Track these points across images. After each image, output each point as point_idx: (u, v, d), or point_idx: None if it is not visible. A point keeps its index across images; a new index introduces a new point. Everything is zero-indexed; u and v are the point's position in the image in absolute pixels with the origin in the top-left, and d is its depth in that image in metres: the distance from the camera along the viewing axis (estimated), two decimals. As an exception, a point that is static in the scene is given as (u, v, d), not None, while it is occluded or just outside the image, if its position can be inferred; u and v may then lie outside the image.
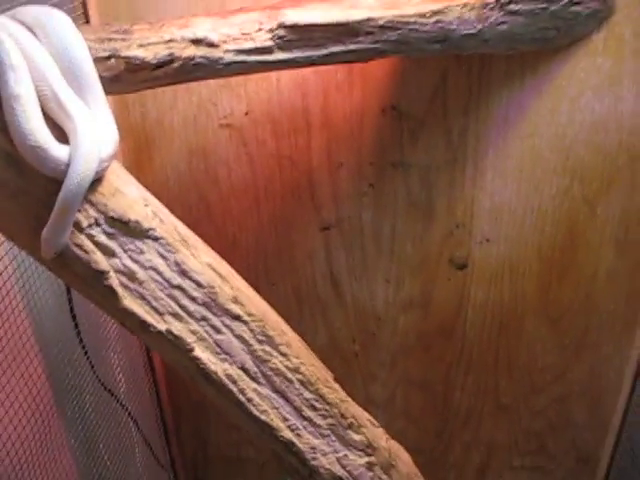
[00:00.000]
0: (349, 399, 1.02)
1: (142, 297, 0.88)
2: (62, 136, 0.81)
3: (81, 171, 0.79)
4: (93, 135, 0.80)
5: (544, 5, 1.15)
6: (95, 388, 1.42)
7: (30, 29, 0.84)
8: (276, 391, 0.95)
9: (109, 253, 0.86)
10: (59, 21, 0.85)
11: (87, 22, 1.26)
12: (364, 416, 1.03)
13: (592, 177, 1.45)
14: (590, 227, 1.50)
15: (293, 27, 0.97)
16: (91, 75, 0.85)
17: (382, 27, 1.02)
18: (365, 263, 1.57)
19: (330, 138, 1.43)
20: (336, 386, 1.01)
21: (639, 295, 1.58)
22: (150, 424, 1.76)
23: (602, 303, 1.59)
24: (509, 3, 1.11)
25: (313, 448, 0.96)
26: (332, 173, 1.47)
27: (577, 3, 1.19)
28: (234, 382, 0.92)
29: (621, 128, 1.39)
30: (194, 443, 1.93)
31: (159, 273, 0.89)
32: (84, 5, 1.26)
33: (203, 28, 0.95)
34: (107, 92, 0.88)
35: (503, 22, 1.12)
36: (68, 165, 0.79)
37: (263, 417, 0.94)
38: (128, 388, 1.59)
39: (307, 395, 0.96)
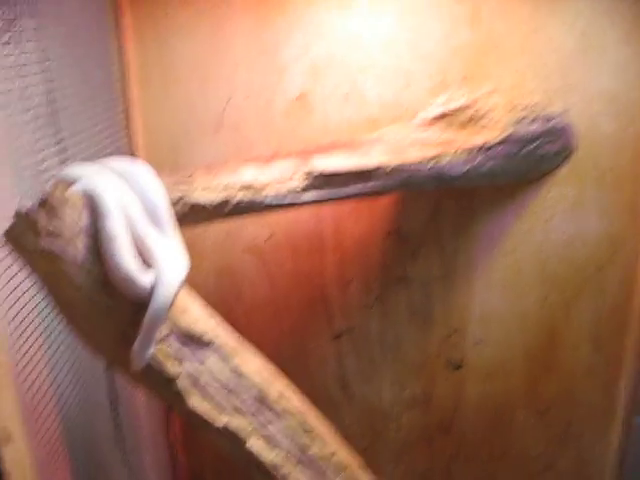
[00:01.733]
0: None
1: (205, 398, 1.05)
2: (144, 264, 1.00)
3: (164, 297, 0.97)
4: (172, 266, 1.00)
5: (518, 148, 1.40)
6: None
7: (119, 176, 1.05)
8: (316, 475, 1.11)
9: (178, 361, 1.03)
10: (143, 171, 1.05)
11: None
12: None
13: (566, 285, 1.66)
14: (567, 328, 1.70)
15: (321, 173, 1.20)
16: (168, 214, 1.05)
17: (390, 171, 1.25)
18: (373, 367, 1.73)
19: (341, 258, 1.63)
20: (366, 473, 1.18)
21: (615, 387, 1.75)
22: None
23: (583, 396, 1.76)
24: (490, 148, 1.36)
25: (347, 525, 1.13)
26: (343, 288, 1.66)
27: (546, 144, 1.44)
28: (279, 469, 1.08)
29: (587, 243, 1.61)
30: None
31: (219, 377, 1.06)
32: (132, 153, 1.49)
33: (249, 174, 1.17)
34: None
35: (486, 164, 1.36)
36: (151, 291, 0.97)
37: (305, 498, 1.10)
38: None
39: (341, 478, 1.13)
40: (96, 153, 1.32)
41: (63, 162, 1.19)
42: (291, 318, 1.69)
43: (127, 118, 1.48)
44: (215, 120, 1.52)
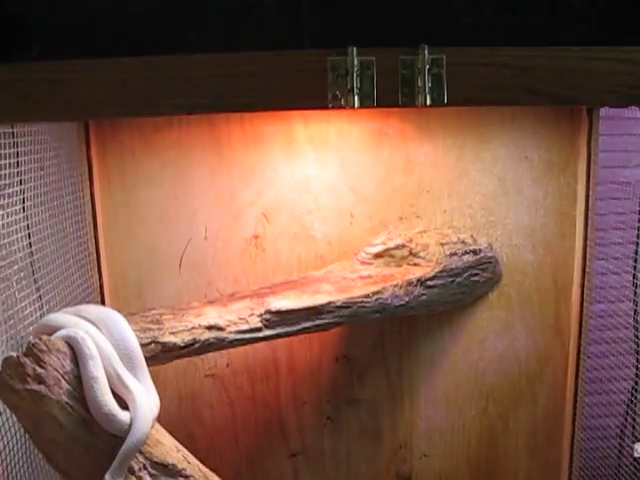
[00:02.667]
0: None
1: (177, 525, 1.15)
2: (121, 403, 1.11)
3: (141, 430, 1.08)
4: (147, 403, 1.12)
5: (451, 279, 1.57)
6: None
7: (94, 324, 1.17)
8: None
9: (152, 491, 1.14)
10: (116, 319, 1.17)
11: (103, 303, 1.61)
12: None
13: (502, 398, 1.79)
14: (506, 438, 1.82)
15: (276, 312, 1.35)
16: (140, 357, 1.17)
17: (339, 307, 1.41)
18: (327, 483, 1.83)
19: (295, 382, 1.74)
20: None
21: (554, 493, 1.88)
22: None
23: (525, 502, 1.88)
24: (426, 281, 1.53)
25: None
26: (297, 409, 1.76)
27: (475, 274, 1.62)
28: None
29: (518, 359, 1.77)
30: None
31: (190, 504, 1.17)
32: (102, 296, 1.62)
33: (212, 316, 1.30)
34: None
35: (423, 294, 1.53)
36: (130, 426, 1.09)
37: None
38: None
39: None
40: (69, 294, 1.45)
41: (41, 308, 1.31)
42: (249, 439, 1.77)
43: (95, 259, 1.60)
44: (176, 259, 1.65)
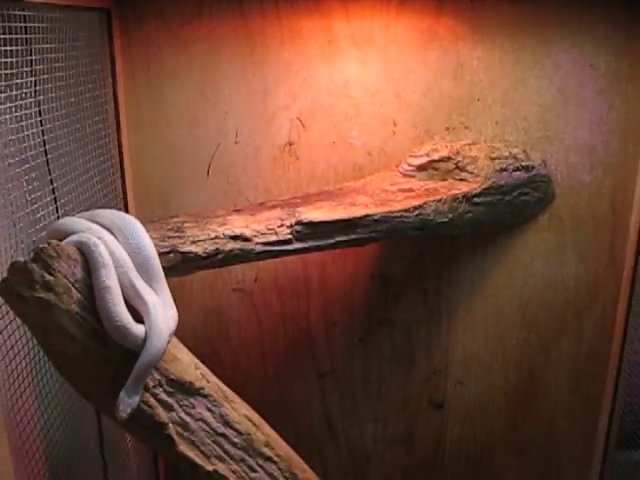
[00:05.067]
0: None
1: (193, 443, 1.08)
2: (136, 315, 1.03)
3: (156, 345, 1.01)
4: (163, 316, 1.03)
5: (500, 197, 1.45)
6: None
7: (109, 230, 1.08)
8: (300, 516, 1.15)
9: (168, 408, 1.06)
10: (132, 225, 1.08)
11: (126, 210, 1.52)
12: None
13: (546, 329, 1.70)
14: (547, 371, 1.74)
15: (308, 224, 1.24)
16: (157, 267, 1.08)
17: (376, 221, 1.30)
18: (356, 405, 1.77)
19: (326, 301, 1.67)
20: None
21: (594, 430, 1.79)
22: None
23: (562, 435, 1.81)
24: (472, 197, 1.40)
25: None
26: (328, 330, 1.69)
27: (526, 194, 1.50)
28: (266, 511, 1.12)
29: (566, 288, 1.66)
30: None
31: (207, 423, 1.09)
32: (125, 203, 1.53)
33: (238, 225, 1.20)
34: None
35: (469, 211, 1.41)
36: (144, 340, 1.01)
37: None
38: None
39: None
40: (88, 199, 1.35)
41: (57, 212, 1.22)
42: (277, 358, 1.72)
43: (118, 163, 1.51)
44: (204, 165, 1.56)
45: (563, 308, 1.69)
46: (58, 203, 1.24)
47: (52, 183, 1.23)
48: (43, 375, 1.19)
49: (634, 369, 1.77)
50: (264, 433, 1.14)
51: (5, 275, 0.96)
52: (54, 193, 1.23)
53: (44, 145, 1.19)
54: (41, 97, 1.18)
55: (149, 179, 1.57)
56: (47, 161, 1.21)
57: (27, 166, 1.11)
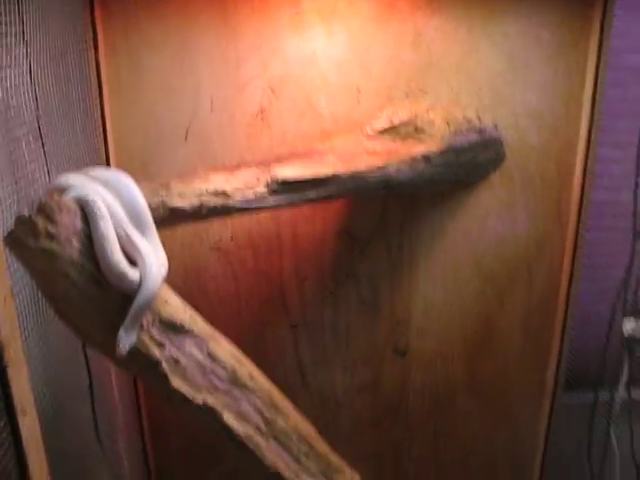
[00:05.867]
0: (331, 450, 1.34)
1: (185, 378, 1.19)
2: (131, 263, 1.13)
3: (149, 288, 1.11)
4: (156, 263, 1.14)
5: (455, 157, 1.58)
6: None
7: (104, 186, 1.18)
8: (280, 445, 1.26)
9: (161, 346, 1.17)
10: (125, 181, 1.18)
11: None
12: (343, 462, 1.36)
13: (499, 280, 1.84)
14: (501, 319, 1.89)
15: (282, 180, 1.36)
16: (149, 219, 1.18)
17: (344, 180, 1.42)
18: (326, 355, 1.89)
19: (298, 257, 1.78)
20: (322, 441, 1.34)
21: (544, 371, 1.95)
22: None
23: (515, 378, 1.96)
24: (431, 158, 1.53)
25: (309, 488, 1.28)
26: (299, 284, 1.81)
27: (479, 155, 1.63)
28: (251, 439, 1.23)
29: (517, 242, 1.80)
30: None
31: (196, 360, 1.20)
32: (108, 165, 1.62)
33: (219, 182, 1.31)
34: (155, 230, 1.22)
35: (427, 171, 1.54)
36: (139, 284, 1.12)
37: (272, 466, 1.25)
38: (131, 472, 1.84)
39: (303, 447, 1.29)
40: (76, 161, 1.45)
41: (49, 173, 1.32)
42: (252, 311, 1.83)
43: (101, 127, 1.60)
44: (182, 131, 1.65)
45: (515, 261, 1.83)
46: (50, 165, 1.34)
47: (44, 146, 1.32)
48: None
49: (580, 318, 1.92)
50: (247, 368, 1.26)
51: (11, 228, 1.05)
52: (46, 155, 1.32)
53: (37, 110, 1.29)
54: (34, 66, 1.27)
55: (130, 143, 1.64)
56: (39, 126, 1.30)
57: (25, 129, 1.21)
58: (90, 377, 1.50)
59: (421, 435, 2.03)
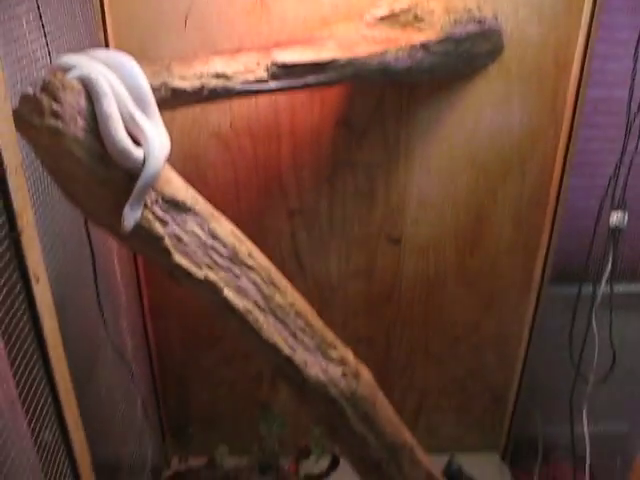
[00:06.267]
0: (326, 327, 1.41)
1: (187, 254, 1.24)
2: (134, 143, 1.17)
3: (153, 166, 1.15)
4: (159, 142, 1.18)
5: (454, 47, 1.59)
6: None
7: (107, 65, 1.20)
8: (278, 320, 1.33)
9: (164, 223, 1.22)
10: (128, 62, 1.20)
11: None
12: (337, 339, 1.43)
13: (493, 172, 1.88)
14: (492, 211, 1.93)
15: (282, 65, 1.37)
16: (151, 99, 1.21)
17: (343, 64, 1.43)
18: (322, 241, 1.95)
19: (296, 145, 1.81)
20: (317, 318, 1.40)
21: (532, 263, 2.02)
22: (145, 384, 2.10)
23: (504, 270, 2.03)
24: (429, 46, 1.54)
25: (305, 361, 1.35)
26: (297, 172, 1.84)
27: (477, 45, 1.64)
28: (250, 313, 1.29)
29: (512, 134, 1.83)
30: (178, 401, 2.26)
31: (198, 237, 1.25)
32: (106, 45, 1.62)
33: (220, 65, 1.33)
34: (157, 111, 1.25)
35: (426, 60, 1.55)
36: (143, 162, 1.15)
37: (270, 339, 1.31)
38: (133, 351, 1.93)
39: (299, 323, 1.35)
40: (74, 47, 1.46)
41: (50, 53, 1.33)
42: (250, 198, 1.87)
43: (100, 13, 1.60)
44: (181, 17, 1.64)
45: (509, 153, 1.86)
46: (51, 47, 1.35)
47: (43, 26, 1.33)
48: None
49: (570, 212, 1.96)
50: (247, 246, 1.31)
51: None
52: (47, 37, 1.33)
53: (37, -10, 1.29)
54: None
55: (129, 29, 1.65)
56: (38, 6, 1.31)
57: (25, 7, 1.22)
58: (93, 256, 1.55)
59: (412, 321, 2.11)
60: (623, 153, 1.78)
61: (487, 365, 2.22)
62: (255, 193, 1.86)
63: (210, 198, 1.81)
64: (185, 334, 2.10)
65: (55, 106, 1.07)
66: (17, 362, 1.02)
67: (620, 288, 1.85)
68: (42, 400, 1.10)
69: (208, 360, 2.15)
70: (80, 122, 1.10)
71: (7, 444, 1.01)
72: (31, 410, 1.08)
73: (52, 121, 1.07)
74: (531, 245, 2.00)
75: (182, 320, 2.07)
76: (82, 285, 1.57)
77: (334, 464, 1.85)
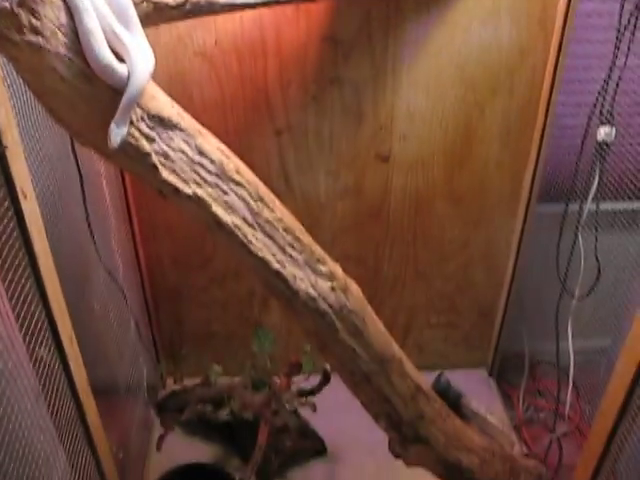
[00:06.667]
0: (315, 243, 1.43)
1: (174, 171, 1.25)
2: (118, 58, 1.15)
3: (138, 81, 1.14)
4: (142, 57, 1.16)
5: (441, -44, 1.56)
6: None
7: None
8: (267, 235, 1.34)
9: (150, 140, 1.21)
10: (109, -23, 1.19)
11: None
12: (326, 255, 1.44)
13: (481, 87, 1.87)
14: (481, 126, 1.93)
15: (266, -23, 1.35)
16: (133, 14, 1.19)
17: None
18: (310, 160, 1.95)
19: (282, 62, 1.78)
20: (306, 234, 1.42)
21: (520, 179, 2.03)
22: (138, 307, 2.13)
23: (492, 186, 2.04)
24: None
25: (294, 276, 1.37)
26: (283, 89, 1.83)
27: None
28: (239, 229, 1.30)
29: (500, 49, 1.81)
30: (171, 323, 2.30)
31: (185, 154, 1.25)
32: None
33: (202, -22, 1.31)
34: (139, 27, 1.23)
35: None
36: (128, 78, 1.14)
37: (259, 254, 1.33)
38: (124, 274, 1.94)
39: (288, 238, 1.36)
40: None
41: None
42: (237, 117, 1.86)
43: None
44: None
45: (497, 68, 1.84)
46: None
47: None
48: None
49: (557, 131, 1.96)
50: (234, 163, 1.31)
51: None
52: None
53: None
54: None
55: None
56: None
57: None
58: (81, 176, 1.55)
59: (401, 239, 2.13)
60: (612, 68, 1.76)
61: (475, 282, 2.26)
62: (242, 112, 1.85)
63: (197, 118, 1.80)
64: (176, 256, 2.12)
65: (34, 21, 1.05)
66: (9, 277, 1.03)
67: (607, 206, 1.86)
68: (36, 315, 1.12)
69: (199, 281, 2.17)
70: (61, 37, 1.08)
71: (3, 354, 1.04)
72: (25, 325, 1.10)
73: (32, 37, 1.05)
74: (519, 161, 2.01)
75: (172, 242, 2.09)
76: (71, 205, 1.57)
77: (325, 380, 1.89)
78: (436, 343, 2.41)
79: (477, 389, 2.40)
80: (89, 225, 1.62)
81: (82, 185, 1.55)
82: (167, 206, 1.93)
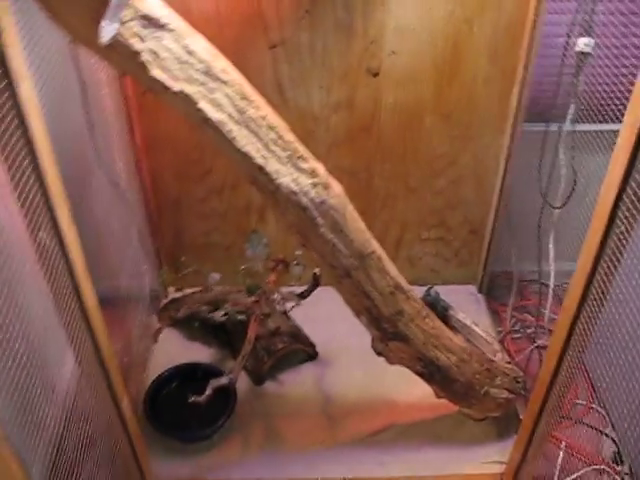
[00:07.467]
0: (299, 142, 1.51)
1: (163, 68, 1.33)
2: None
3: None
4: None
5: None
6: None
7: None
8: (251, 132, 1.43)
9: (141, 39, 1.29)
10: None
11: None
12: (310, 154, 1.53)
13: (470, 2, 1.91)
14: (469, 42, 1.98)
15: None
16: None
17: None
18: (303, 74, 2.01)
19: (277, -22, 1.84)
20: (290, 132, 1.50)
21: (507, 96, 2.08)
22: (141, 217, 2.24)
23: (481, 102, 2.10)
24: None
25: (277, 171, 1.46)
26: (278, 3, 1.89)
27: None
28: (224, 125, 1.39)
29: (487, -35, 1.85)
30: (173, 233, 2.40)
31: (173, 52, 1.33)
32: None
33: None
34: None
35: None
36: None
37: (243, 149, 1.42)
38: (127, 183, 2.04)
39: (272, 135, 1.45)
40: None
41: None
42: (233, 31, 1.93)
43: None
44: None
45: (485, -17, 1.88)
46: None
47: None
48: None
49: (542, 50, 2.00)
50: (221, 63, 1.39)
51: None
52: None
53: None
54: None
55: None
56: None
57: None
58: (81, 83, 1.63)
59: (391, 154, 2.21)
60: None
61: (465, 199, 2.33)
62: (237, 26, 1.91)
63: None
64: (177, 167, 2.21)
65: None
66: (9, 162, 1.12)
67: (589, 127, 1.90)
68: (36, 200, 1.21)
69: (199, 192, 2.27)
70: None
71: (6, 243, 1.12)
72: (25, 207, 1.19)
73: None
74: (507, 79, 2.06)
75: (174, 154, 2.17)
76: (71, 112, 1.64)
77: (315, 283, 1.99)
78: (427, 258, 2.50)
79: (466, 304, 2.47)
80: (91, 129, 1.71)
81: (83, 92, 1.63)
82: (168, 118, 2.03)
